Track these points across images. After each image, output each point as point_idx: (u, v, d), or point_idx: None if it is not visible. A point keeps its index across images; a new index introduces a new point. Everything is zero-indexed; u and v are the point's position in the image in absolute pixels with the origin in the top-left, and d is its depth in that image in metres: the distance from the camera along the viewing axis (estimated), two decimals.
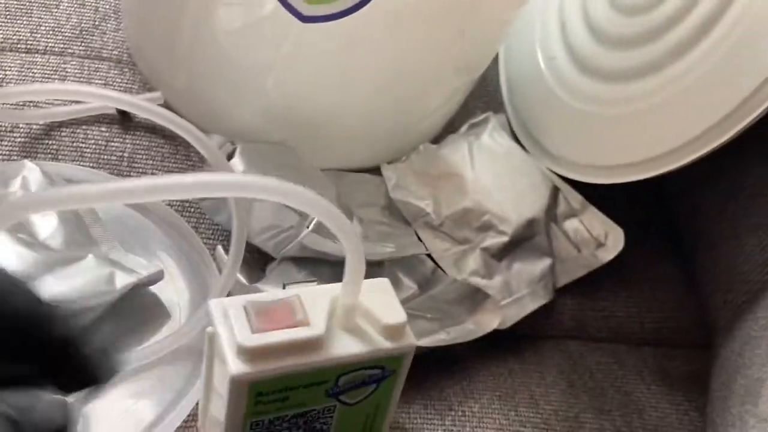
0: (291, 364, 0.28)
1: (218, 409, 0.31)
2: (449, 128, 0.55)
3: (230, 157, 0.43)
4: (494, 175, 0.50)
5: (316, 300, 0.30)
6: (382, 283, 0.32)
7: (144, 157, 0.47)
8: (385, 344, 0.30)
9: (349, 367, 0.30)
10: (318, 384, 0.30)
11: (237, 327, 0.28)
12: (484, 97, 0.59)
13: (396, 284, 0.44)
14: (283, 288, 0.35)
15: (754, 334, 0.39)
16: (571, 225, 0.50)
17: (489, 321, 0.44)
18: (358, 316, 0.30)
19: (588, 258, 0.49)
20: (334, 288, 0.30)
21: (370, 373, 0.31)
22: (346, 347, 0.29)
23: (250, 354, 0.28)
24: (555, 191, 0.51)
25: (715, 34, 0.44)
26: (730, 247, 0.47)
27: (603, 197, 0.51)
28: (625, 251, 0.49)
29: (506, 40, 0.60)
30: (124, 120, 0.48)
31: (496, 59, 0.61)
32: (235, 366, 0.28)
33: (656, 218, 0.55)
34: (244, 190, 0.25)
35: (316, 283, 0.38)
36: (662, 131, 0.46)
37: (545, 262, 0.48)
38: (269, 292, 0.32)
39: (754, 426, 0.31)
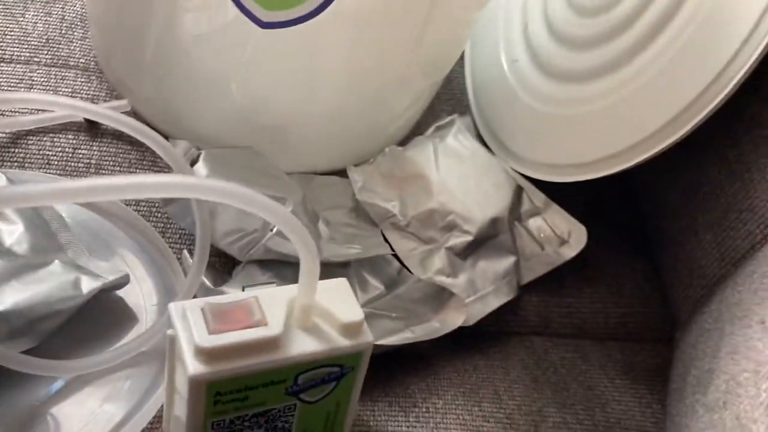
0: (249, 363, 0.29)
1: (181, 409, 0.31)
2: (416, 131, 0.56)
3: (194, 162, 0.44)
4: (459, 176, 0.51)
5: (273, 301, 0.30)
6: (340, 282, 0.33)
7: (111, 164, 0.48)
8: (343, 342, 0.31)
9: (308, 366, 0.31)
10: (277, 383, 0.31)
11: (195, 328, 0.29)
12: (450, 100, 0.60)
13: (362, 284, 0.45)
14: (243, 290, 0.36)
15: (707, 326, 0.40)
16: (535, 223, 0.51)
17: (454, 319, 0.45)
18: (315, 315, 0.31)
19: (551, 255, 0.50)
20: (291, 289, 0.30)
21: (328, 371, 0.31)
22: (303, 346, 0.30)
23: (207, 354, 0.29)
24: (519, 190, 0.52)
25: (668, 34, 0.45)
26: (689, 243, 0.48)
27: (566, 195, 0.52)
28: (589, 248, 0.51)
29: (471, 43, 0.61)
30: (91, 128, 0.49)
31: (462, 62, 0.62)
32: (193, 366, 0.28)
33: (620, 215, 0.56)
34: (191, 191, 0.25)
35: (275, 285, 0.39)
36: (619, 129, 0.47)
37: (509, 260, 0.49)
38: (228, 294, 0.33)
39: (703, 415, 0.32)
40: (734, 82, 0.41)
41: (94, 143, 0.48)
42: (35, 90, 0.50)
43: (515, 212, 0.51)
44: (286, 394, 0.31)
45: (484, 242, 0.49)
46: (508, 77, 0.56)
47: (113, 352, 0.38)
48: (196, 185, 0.25)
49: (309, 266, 0.28)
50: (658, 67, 0.45)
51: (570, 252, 0.50)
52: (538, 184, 0.52)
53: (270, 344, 0.29)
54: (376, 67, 0.46)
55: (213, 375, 0.29)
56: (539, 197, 0.52)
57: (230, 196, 0.25)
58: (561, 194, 0.52)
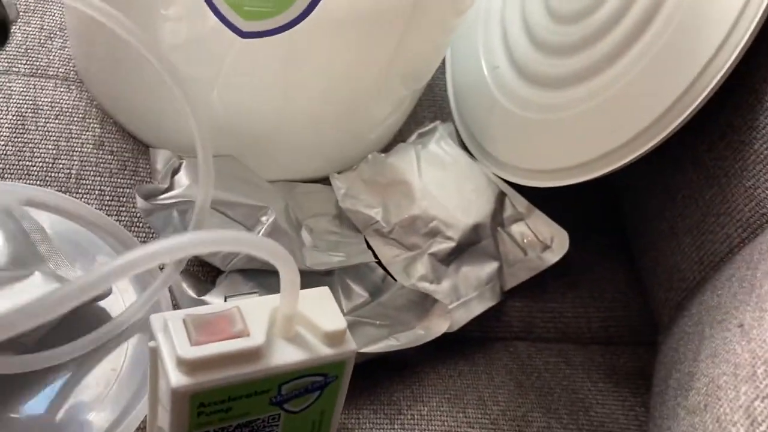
0: (231, 374, 0.29)
1: (164, 421, 0.31)
2: (398, 137, 0.57)
3: (176, 171, 0.44)
4: (441, 182, 0.51)
5: (256, 311, 0.30)
6: (322, 291, 0.33)
7: (92, 173, 0.48)
8: (326, 351, 0.31)
9: (291, 375, 0.31)
10: (260, 393, 0.30)
11: (177, 340, 0.29)
12: (432, 107, 0.60)
13: (346, 292, 0.45)
14: (225, 300, 0.36)
15: (688, 330, 0.40)
16: (518, 229, 0.52)
17: (438, 325, 0.45)
18: (298, 324, 0.31)
19: (534, 261, 0.50)
20: (273, 299, 0.30)
21: (312, 381, 0.31)
22: (286, 356, 0.30)
23: (189, 366, 0.28)
24: (501, 196, 0.52)
25: (643, 42, 0.46)
26: (669, 247, 0.48)
27: (548, 200, 0.52)
28: (572, 252, 0.51)
29: (452, 49, 0.62)
30: (71, 137, 0.49)
31: (443, 69, 0.62)
32: (176, 378, 0.28)
33: (602, 219, 0.57)
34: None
35: (258, 294, 0.39)
36: (598, 135, 0.47)
37: (492, 266, 0.49)
38: (210, 305, 0.33)
39: (684, 418, 0.32)
40: (709, 88, 0.41)
41: (74, 153, 0.48)
42: (14, 99, 0.50)
43: (498, 218, 0.51)
44: (270, 404, 0.31)
45: (466, 248, 0.49)
46: (488, 83, 0.56)
47: (80, 341, 0.37)
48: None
49: (289, 276, 0.28)
50: (634, 74, 0.46)
51: (553, 257, 0.50)
52: (521, 189, 0.53)
53: (252, 355, 0.29)
54: (354, 76, 0.46)
55: (195, 386, 0.28)
56: (522, 203, 0.52)
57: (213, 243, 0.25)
58: (543, 199, 0.52)
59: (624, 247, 0.55)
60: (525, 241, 0.51)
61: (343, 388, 0.33)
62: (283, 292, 0.29)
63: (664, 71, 0.44)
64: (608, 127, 0.47)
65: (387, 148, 0.55)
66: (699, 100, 0.42)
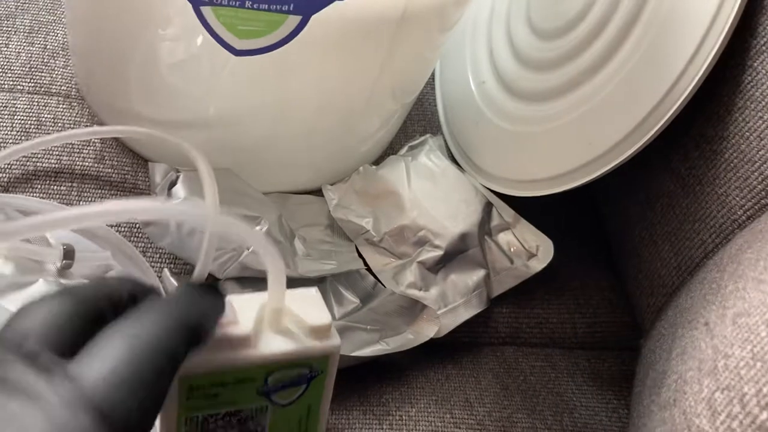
0: (220, 359, 0.30)
1: None
2: (389, 150, 0.58)
3: (173, 184, 0.46)
4: (430, 193, 0.53)
5: (245, 305, 0.32)
6: (310, 291, 0.34)
7: (93, 186, 0.50)
8: (311, 343, 0.32)
9: (277, 365, 0.32)
10: (248, 381, 0.32)
11: None
12: (422, 120, 0.62)
13: (338, 298, 0.47)
14: None
15: (664, 332, 0.42)
16: (504, 238, 0.53)
17: (427, 330, 0.46)
18: (286, 319, 0.32)
19: (520, 269, 0.52)
20: (263, 295, 0.32)
21: (298, 373, 0.33)
22: (273, 346, 0.31)
23: None
24: (488, 206, 0.54)
25: (620, 57, 0.48)
26: (649, 253, 0.50)
27: (534, 210, 0.54)
28: (557, 260, 0.53)
29: (440, 64, 0.64)
30: (72, 151, 0.51)
31: (433, 84, 0.64)
32: None
33: (586, 227, 0.58)
34: (143, 214, 0.26)
35: None
36: (576, 146, 0.49)
37: (479, 273, 0.51)
38: None
39: (656, 413, 0.34)
40: (680, 100, 0.43)
41: (76, 167, 0.50)
42: (19, 115, 0.52)
43: (485, 227, 0.53)
44: (257, 395, 0.32)
45: (454, 256, 0.51)
46: (475, 97, 0.58)
47: None
48: (171, 209, 0.27)
49: (275, 273, 0.30)
50: (611, 87, 0.48)
51: (538, 265, 0.52)
52: (508, 199, 0.54)
53: (240, 342, 0.31)
54: (345, 91, 0.48)
55: (186, 369, 0.29)
56: (508, 212, 0.54)
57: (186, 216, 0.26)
58: (529, 209, 0.54)
59: (607, 253, 0.57)
60: (511, 249, 0.53)
61: (329, 384, 0.34)
62: (271, 286, 0.31)
63: (640, 84, 0.46)
64: (587, 138, 0.48)
65: (378, 161, 0.57)
66: (671, 111, 0.44)
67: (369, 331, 0.45)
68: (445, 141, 0.60)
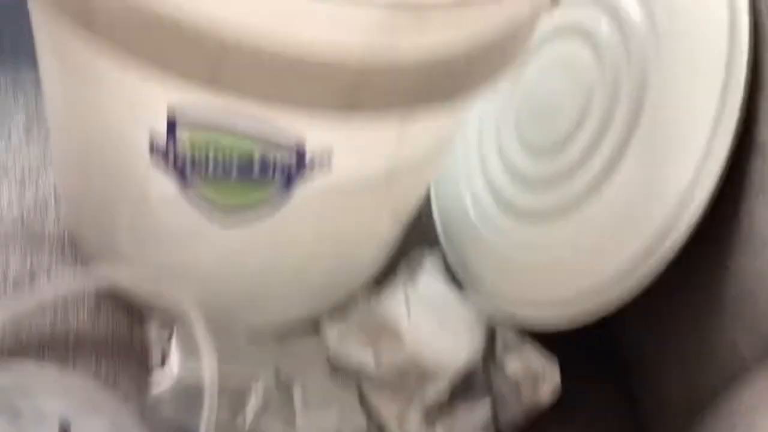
0: None
1: None
2: (387, 266, 0.57)
3: (168, 343, 0.45)
4: (431, 324, 0.52)
5: None
6: None
7: (90, 341, 0.49)
8: None
9: None
10: None
11: None
12: (418, 229, 0.61)
13: None
14: None
15: None
16: (510, 362, 0.52)
17: None
18: None
19: (528, 396, 0.50)
20: None
21: None
22: None
23: None
24: (492, 330, 0.53)
25: (625, 168, 0.47)
26: (658, 375, 0.49)
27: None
28: (566, 382, 0.51)
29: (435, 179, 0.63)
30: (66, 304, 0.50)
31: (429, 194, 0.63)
32: None
33: (595, 341, 0.57)
34: None
35: None
36: (590, 267, 0.48)
37: (485, 405, 0.50)
38: None
39: None
40: (686, 225, 0.42)
41: (70, 322, 0.50)
42: (11, 270, 0.51)
43: (490, 354, 0.52)
44: None
45: (459, 389, 0.50)
46: (470, 214, 0.57)
47: None
48: None
49: None
50: (615, 207, 0.47)
51: (546, 390, 0.51)
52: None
53: None
54: (342, 233, 0.47)
55: None
56: (512, 335, 0.53)
57: None
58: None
59: (618, 373, 0.55)
60: (517, 375, 0.51)
61: None
62: None
63: (644, 201, 0.45)
64: (591, 265, 0.47)
65: (377, 279, 0.56)
66: (672, 241, 0.43)
67: None
68: (444, 255, 0.59)
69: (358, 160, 0.41)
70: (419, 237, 0.60)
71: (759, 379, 0.38)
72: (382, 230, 0.52)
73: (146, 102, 0.37)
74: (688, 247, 0.42)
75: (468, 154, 0.60)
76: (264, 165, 0.38)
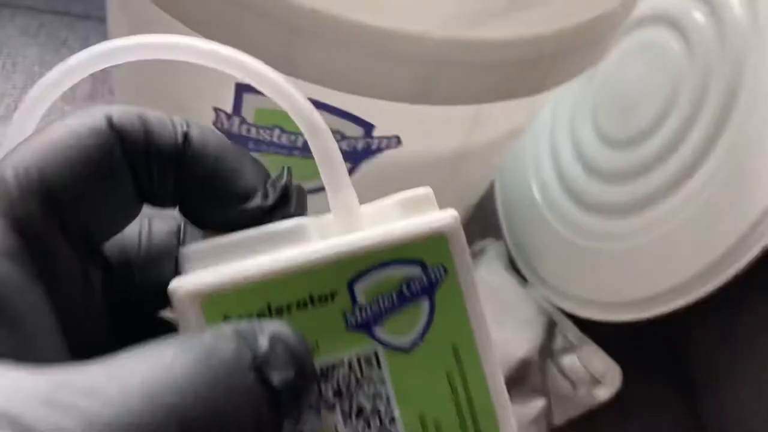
0: (262, 263, 0.18)
1: None
2: None
3: None
4: (489, 313, 0.50)
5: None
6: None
7: None
8: (404, 221, 0.19)
9: (359, 265, 0.18)
10: (323, 300, 0.18)
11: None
12: (481, 220, 0.60)
13: None
14: None
15: None
16: (568, 361, 0.50)
17: None
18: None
19: (584, 397, 0.49)
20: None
21: (402, 275, 0.19)
22: (346, 235, 0.19)
23: (196, 259, 0.18)
24: (551, 326, 0.51)
25: (708, 167, 0.44)
26: (731, 398, 0.46)
27: (601, 327, 0.51)
28: (627, 387, 0.49)
29: (501, 166, 0.61)
30: None
31: (492, 184, 0.61)
32: (176, 281, 0.18)
33: (657, 351, 0.54)
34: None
35: None
36: (657, 270, 0.46)
37: (539, 403, 0.48)
38: None
39: None
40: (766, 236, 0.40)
41: None
42: None
43: (547, 349, 0.50)
44: (349, 329, 0.18)
45: (512, 384, 0.48)
46: (538, 203, 0.55)
47: None
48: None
49: (325, 159, 0.19)
50: (695, 207, 0.44)
51: (604, 394, 0.49)
52: (572, 316, 0.51)
53: (291, 236, 0.18)
54: None
55: (205, 287, 0.17)
56: (574, 333, 0.51)
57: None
58: (596, 329, 0.51)
59: (680, 381, 0.53)
60: (575, 375, 0.50)
61: (472, 298, 0.19)
62: (328, 185, 0.19)
63: (727, 204, 0.43)
64: (667, 263, 0.45)
65: None
66: (757, 247, 0.40)
67: None
68: (506, 246, 0.57)
69: (426, 145, 0.39)
70: (482, 231, 0.59)
71: None
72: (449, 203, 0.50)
73: (215, 78, 0.36)
74: None
75: (538, 143, 0.57)
76: None
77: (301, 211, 0.19)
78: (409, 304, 0.19)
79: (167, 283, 0.18)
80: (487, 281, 0.53)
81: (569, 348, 0.51)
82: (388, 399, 0.19)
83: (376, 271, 0.18)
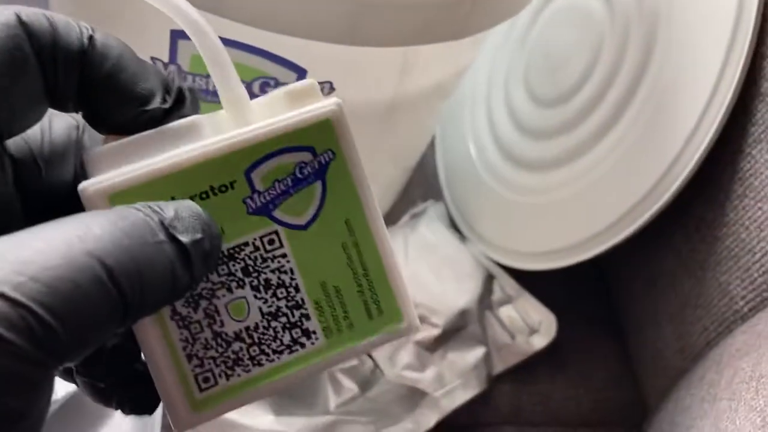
0: (162, 157, 0.20)
1: None
2: (390, 217, 0.58)
3: None
4: (428, 267, 0.52)
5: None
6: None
7: None
8: (292, 112, 0.21)
9: (253, 153, 0.20)
10: (223, 189, 0.20)
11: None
12: (423, 184, 0.62)
13: (336, 387, 0.46)
14: None
15: (666, 428, 0.41)
16: (506, 312, 0.52)
17: (427, 419, 0.46)
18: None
19: (522, 345, 0.51)
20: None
21: (294, 161, 0.20)
22: (237, 130, 0.20)
23: (101, 161, 0.20)
24: (489, 279, 0.53)
25: (628, 117, 0.47)
26: (653, 332, 0.49)
27: (536, 280, 0.53)
28: (561, 334, 0.51)
29: (441, 129, 0.63)
30: None
31: (434, 147, 0.63)
32: (86, 181, 0.19)
33: (590, 300, 0.57)
34: None
35: None
36: (582, 218, 0.48)
37: (479, 351, 0.50)
38: None
39: None
40: (680, 179, 0.42)
41: None
42: None
43: (485, 301, 0.52)
44: (250, 212, 0.20)
45: (453, 334, 0.50)
46: (475, 164, 0.57)
47: None
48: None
49: (209, 48, 0.20)
50: (613, 158, 0.47)
51: (541, 342, 0.51)
52: (511, 269, 0.53)
53: (188, 131, 0.20)
54: None
55: (111, 183, 0.19)
56: (511, 285, 0.53)
57: None
58: (531, 280, 0.53)
59: (612, 327, 0.55)
60: (513, 325, 0.52)
61: (359, 178, 0.21)
62: (214, 74, 0.20)
63: (640, 159, 0.45)
64: (590, 211, 0.47)
65: None
66: (671, 190, 0.43)
67: (365, 423, 0.44)
68: (447, 207, 0.59)
69: (358, 92, 0.41)
70: (424, 193, 0.61)
71: (750, 326, 0.37)
72: (386, 166, 0.52)
73: (151, 26, 0.37)
74: (688, 196, 0.42)
75: (475, 108, 0.60)
76: (263, 92, 0.38)
77: (196, 111, 0.21)
78: (303, 186, 0.21)
79: (72, 182, 0.19)
80: (428, 238, 0.54)
81: (507, 299, 0.53)
82: (291, 271, 0.21)
83: (270, 159, 0.20)
